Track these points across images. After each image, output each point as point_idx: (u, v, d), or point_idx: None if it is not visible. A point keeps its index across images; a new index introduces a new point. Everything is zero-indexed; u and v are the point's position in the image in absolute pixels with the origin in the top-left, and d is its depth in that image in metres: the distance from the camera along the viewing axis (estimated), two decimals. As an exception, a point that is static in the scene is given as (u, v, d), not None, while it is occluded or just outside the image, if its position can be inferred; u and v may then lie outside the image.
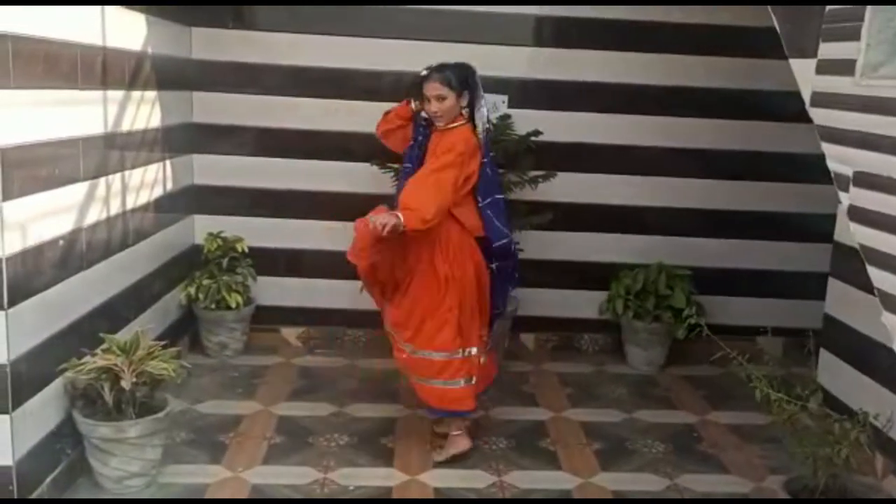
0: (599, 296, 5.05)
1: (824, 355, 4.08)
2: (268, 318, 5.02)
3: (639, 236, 5.10)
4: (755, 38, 4.77)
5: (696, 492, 3.51)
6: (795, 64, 2.74)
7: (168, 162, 4.44)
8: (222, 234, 4.79)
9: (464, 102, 3.55)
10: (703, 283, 4.96)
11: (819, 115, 2.60)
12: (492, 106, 4.79)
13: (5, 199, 2.70)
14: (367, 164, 4.75)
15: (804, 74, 2.68)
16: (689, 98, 4.98)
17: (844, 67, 2.46)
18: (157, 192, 4.27)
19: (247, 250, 4.80)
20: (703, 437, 4.03)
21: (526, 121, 4.78)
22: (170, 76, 4.41)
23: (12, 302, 2.77)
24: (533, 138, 4.69)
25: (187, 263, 4.79)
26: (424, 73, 3.57)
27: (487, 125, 3.70)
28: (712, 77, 4.95)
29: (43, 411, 3.04)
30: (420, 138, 3.69)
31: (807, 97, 2.69)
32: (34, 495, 2.96)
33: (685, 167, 5.06)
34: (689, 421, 4.22)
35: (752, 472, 3.67)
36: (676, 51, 4.92)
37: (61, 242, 3.14)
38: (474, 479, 3.50)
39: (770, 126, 5.00)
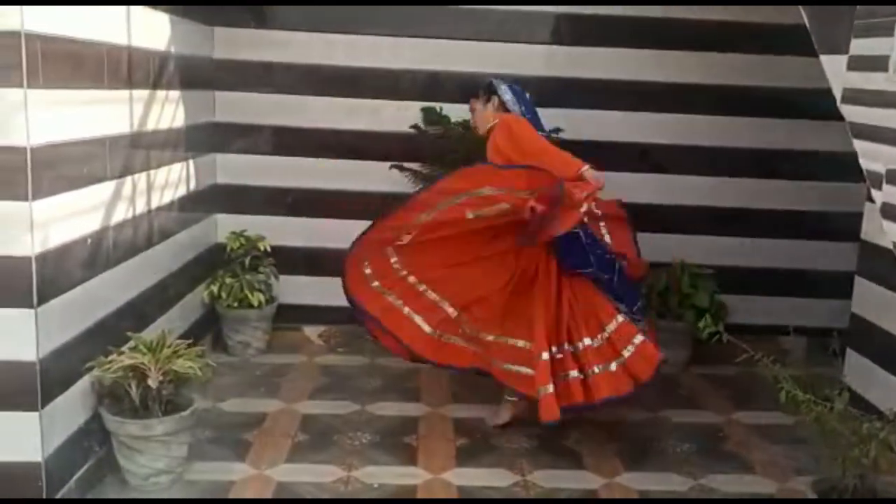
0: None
1: (851, 355, 4.05)
2: (290, 316, 5.04)
3: (660, 235, 5.05)
4: (778, 35, 4.75)
5: (722, 492, 3.49)
6: (826, 60, 2.71)
7: (191, 161, 4.46)
8: (245, 233, 4.81)
9: (492, 105, 3.89)
10: (726, 282, 4.93)
11: (851, 112, 2.58)
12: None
13: (34, 198, 2.72)
14: (385, 164, 4.76)
15: (835, 71, 2.66)
16: (711, 95, 4.96)
17: (877, 63, 2.43)
18: (181, 191, 4.30)
19: (269, 249, 4.81)
20: (727, 437, 4.01)
21: (546, 119, 4.76)
22: (193, 76, 4.43)
23: (41, 300, 2.79)
24: (553, 136, 4.67)
25: (210, 262, 4.81)
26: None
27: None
28: (734, 74, 4.93)
29: (71, 409, 3.06)
30: None
31: (838, 94, 2.66)
32: (62, 492, 2.98)
33: (707, 165, 5.04)
34: (713, 421, 4.20)
35: (777, 473, 3.65)
36: (699, 48, 4.90)
37: (88, 241, 3.16)
38: (498, 478, 3.50)
39: (794, 123, 4.96)
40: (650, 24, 4.87)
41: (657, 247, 5.04)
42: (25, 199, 2.69)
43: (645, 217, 5.04)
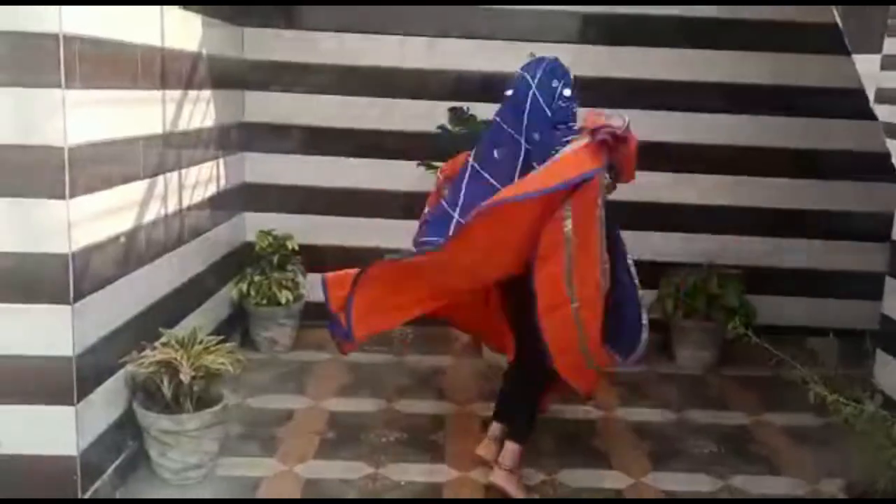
0: (648, 295, 4.99)
1: (881, 356, 4.00)
2: (317, 314, 5.04)
3: (688, 234, 5.05)
4: (810, 34, 4.72)
5: (750, 493, 3.48)
6: (859, 60, 2.69)
7: (221, 160, 4.51)
8: (273, 232, 4.86)
9: None
10: (754, 282, 4.90)
11: (884, 112, 2.56)
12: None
13: (71, 196, 2.77)
14: (413, 163, 4.78)
15: (868, 71, 2.64)
16: (741, 95, 4.93)
17: (912, 63, 2.42)
18: (211, 189, 4.35)
19: (296, 247, 4.86)
20: (755, 439, 3.99)
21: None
22: (223, 76, 4.48)
23: (77, 296, 2.84)
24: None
25: (239, 260, 4.87)
26: None
27: None
28: (765, 73, 4.90)
29: (105, 403, 3.12)
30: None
31: (871, 93, 2.65)
32: (96, 485, 3.03)
33: (736, 165, 5.01)
34: (741, 422, 4.18)
35: (806, 475, 3.62)
36: (731, 47, 4.88)
37: (122, 239, 3.21)
38: (525, 477, 3.49)
39: (823, 123, 4.93)
40: (684, 23, 4.86)
41: (685, 247, 5.04)
42: (63, 197, 2.74)
43: (672, 217, 5.06)
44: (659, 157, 5.00)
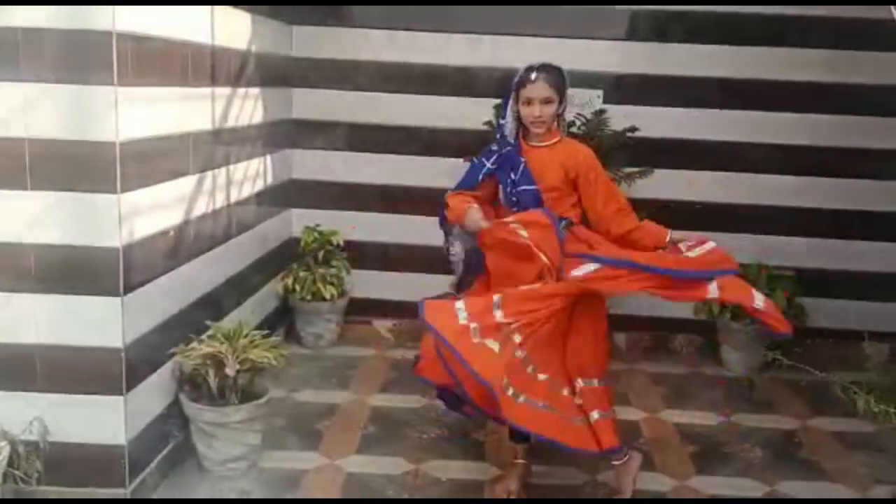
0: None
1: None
2: (360, 310, 5.11)
3: (737, 235, 4.95)
4: (861, 30, 4.61)
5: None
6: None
7: (268, 157, 4.57)
8: (318, 227, 4.91)
9: (560, 111, 3.17)
10: (804, 284, 4.80)
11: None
12: (587, 101, 4.78)
13: (123, 190, 2.83)
14: (459, 160, 4.78)
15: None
16: (790, 93, 4.83)
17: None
18: (258, 185, 4.41)
19: (342, 243, 4.90)
20: (803, 444, 3.90)
21: (621, 116, 4.72)
22: (271, 73, 4.54)
23: (127, 289, 2.91)
24: (629, 134, 4.63)
25: (285, 255, 4.93)
26: (527, 72, 3.11)
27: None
28: (812, 71, 4.80)
29: (153, 394, 3.18)
30: (505, 163, 3.24)
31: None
32: (143, 474, 3.10)
33: (786, 164, 4.92)
34: (788, 426, 4.09)
35: (856, 482, 3.54)
36: (776, 44, 4.79)
37: (171, 233, 3.27)
38: (568, 477, 3.48)
39: (876, 122, 4.80)
40: (728, 20, 4.77)
41: (733, 247, 4.92)
42: (114, 191, 2.80)
43: (720, 217, 4.97)
44: (709, 155, 4.93)
